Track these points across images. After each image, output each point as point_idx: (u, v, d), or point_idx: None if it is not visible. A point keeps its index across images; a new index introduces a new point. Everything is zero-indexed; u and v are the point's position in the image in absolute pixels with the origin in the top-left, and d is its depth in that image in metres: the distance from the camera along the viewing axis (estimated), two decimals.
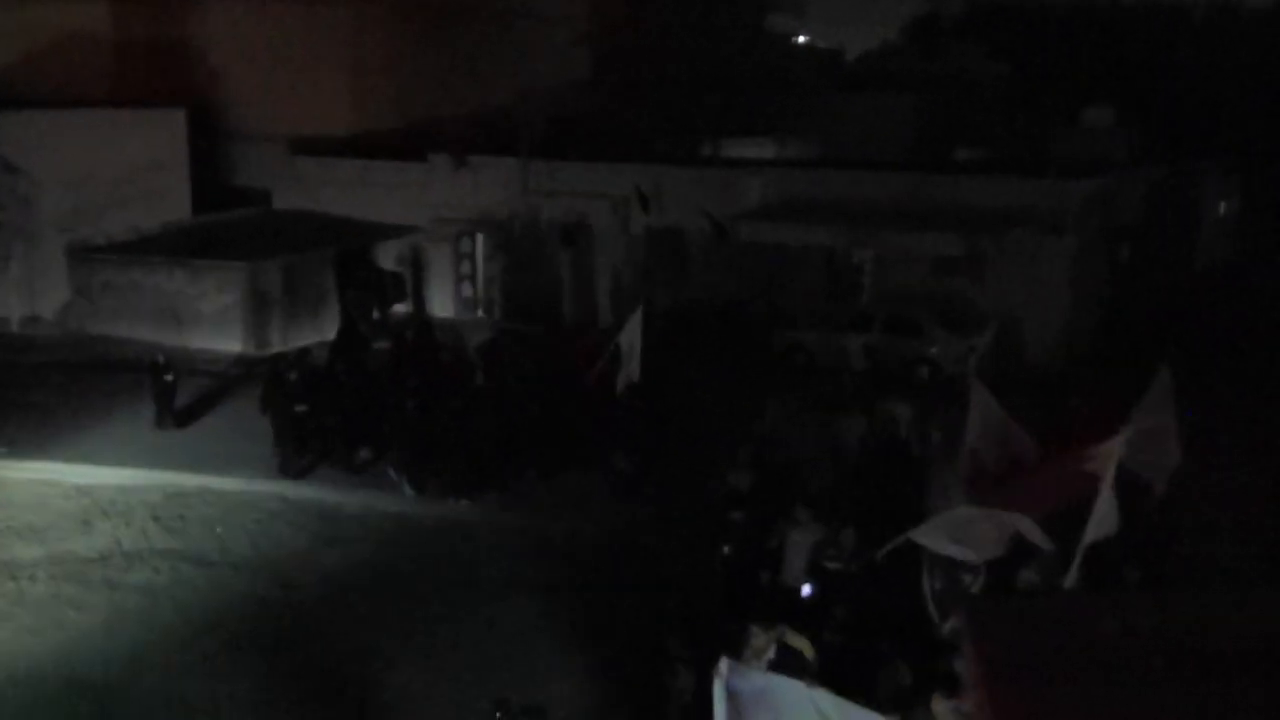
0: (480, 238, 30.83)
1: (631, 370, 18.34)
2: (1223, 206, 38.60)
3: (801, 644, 9.61)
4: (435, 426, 17.83)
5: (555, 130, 32.55)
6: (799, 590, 12.40)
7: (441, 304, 30.67)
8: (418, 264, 30.87)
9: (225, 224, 30.54)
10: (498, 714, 8.17)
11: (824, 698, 7.67)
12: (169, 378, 20.84)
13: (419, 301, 30.64)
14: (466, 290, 31.09)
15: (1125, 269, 28.97)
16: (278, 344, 26.73)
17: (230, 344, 26.12)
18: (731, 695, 7.02)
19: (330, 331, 26.22)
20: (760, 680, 7.48)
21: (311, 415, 18.63)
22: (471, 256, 31.03)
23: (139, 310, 27.49)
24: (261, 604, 14.32)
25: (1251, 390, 22.06)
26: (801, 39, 54.31)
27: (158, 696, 12.18)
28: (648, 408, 18.09)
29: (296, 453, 18.50)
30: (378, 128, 33.13)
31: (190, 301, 27.08)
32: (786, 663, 8.57)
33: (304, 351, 21.27)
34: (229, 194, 32.57)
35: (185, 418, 21.07)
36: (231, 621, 13.81)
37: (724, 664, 7.23)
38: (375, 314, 28.94)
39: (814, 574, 12.36)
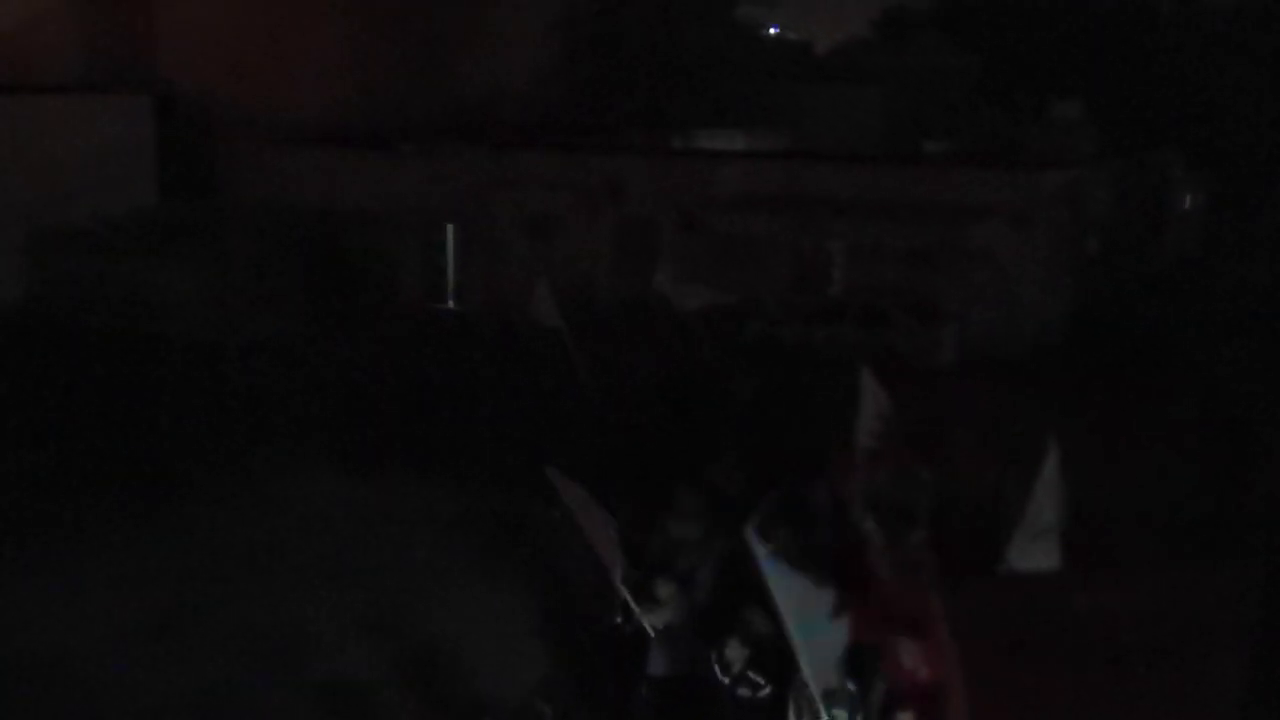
0: (450, 228, 30.72)
1: None
2: (1188, 200, 38.91)
3: None
4: None
5: (526, 120, 32.48)
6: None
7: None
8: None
9: (193, 212, 30.30)
10: None
11: None
12: None
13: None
14: (438, 280, 30.97)
15: (1092, 262, 29.18)
16: (248, 334, 26.53)
17: (199, 334, 25.89)
18: None
19: (301, 320, 26.02)
20: None
21: None
22: (442, 246, 30.95)
23: (104, 299, 27.24)
24: None
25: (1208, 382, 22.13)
26: (772, 31, 54.39)
27: None
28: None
29: None
30: (348, 116, 32.94)
31: (157, 290, 26.86)
32: None
33: None
34: (197, 182, 32.30)
35: None
36: None
37: None
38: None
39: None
